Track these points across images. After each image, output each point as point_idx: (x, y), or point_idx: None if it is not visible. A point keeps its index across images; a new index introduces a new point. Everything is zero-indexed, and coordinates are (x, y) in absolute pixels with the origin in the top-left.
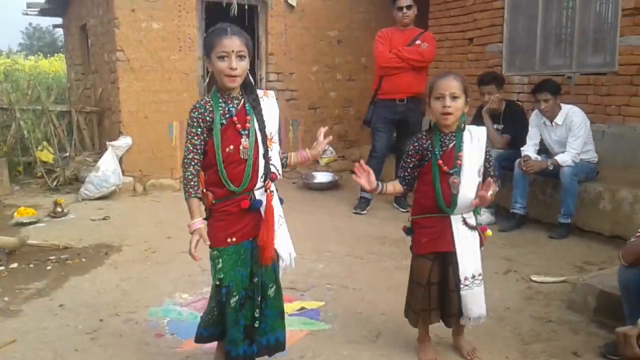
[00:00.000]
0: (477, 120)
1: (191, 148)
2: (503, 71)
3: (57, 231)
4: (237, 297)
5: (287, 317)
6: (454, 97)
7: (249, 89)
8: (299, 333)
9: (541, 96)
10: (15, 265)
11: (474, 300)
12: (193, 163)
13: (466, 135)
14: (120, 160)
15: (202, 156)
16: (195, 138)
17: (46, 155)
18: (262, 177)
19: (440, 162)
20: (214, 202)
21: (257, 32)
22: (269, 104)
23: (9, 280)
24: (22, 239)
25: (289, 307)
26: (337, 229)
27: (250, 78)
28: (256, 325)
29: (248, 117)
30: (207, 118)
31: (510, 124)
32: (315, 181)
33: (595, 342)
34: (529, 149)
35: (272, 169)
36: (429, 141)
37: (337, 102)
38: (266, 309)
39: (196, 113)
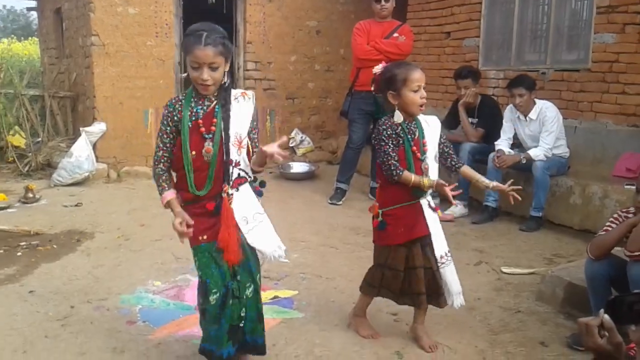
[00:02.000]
0: (453, 114)
1: (161, 146)
2: (479, 66)
3: (28, 217)
4: (217, 294)
5: None
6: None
7: (222, 89)
8: (271, 321)
9: (516, 91)
10: None
11: (452, 277)
12: (163, 160)
13: (423, 122)
14: (94, 147)
15: (171, 154)
16: (165, 136)
17: (18, 139)
18: (231, 182)
19: (415, 148)
20: (183, 204)
21: (235, 20)
22: (244, 106)
23: None
24: None
25: (262, 296)
26: (312, 219)
27: (228, 79)
28: (242, 324)
29: (215, 120)
30: (175, 118)
31: (485, 118)
32: (291, 171)
33: (562, 333)
34: (503, 143)
35: (242, 174)
36: (399, 127)
37: (315, 93)
38: (247, 311)
39: (166, 111)
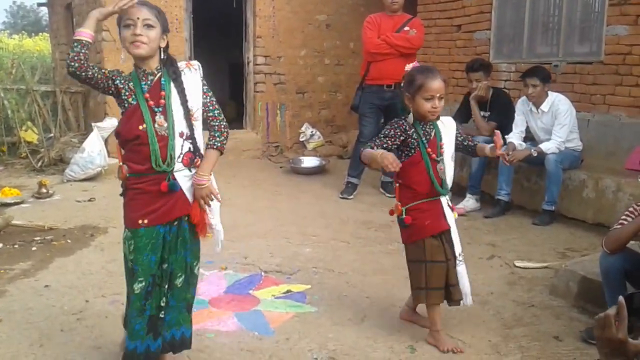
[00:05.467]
0: (465, 107)
1: (96, 68)
2: (490, 58)
3: (42, 212)
4: (142, 283)
5: (273, 300)
6: (440, 98)
7: (168, 62)
8: (285, 315)
9: (530, 81)
10: None
11: (464, 277)
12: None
13: (440, 124)
14: (106, 142)
15: (94, 74)
16: (100, 74)
17: (30, 135)
18: (179, 157)
19: (429, 149)
20: (128, 175)
21: (244, 14)
22: (190, 77)
23: None
24: (7, 219)
25: (275, 290)
26: (323, 214)
27: (169, 54)
28: (161, 315)
29: (163, 93)
30: (118, 82)
31: (497, 112)
32: (302, 165)
33: (576, 327)
34: (515, 137)
35: (192, 149)
36: (412, 130)
37: (324, 87)
38: (171, 299)
39: (116, 71)
